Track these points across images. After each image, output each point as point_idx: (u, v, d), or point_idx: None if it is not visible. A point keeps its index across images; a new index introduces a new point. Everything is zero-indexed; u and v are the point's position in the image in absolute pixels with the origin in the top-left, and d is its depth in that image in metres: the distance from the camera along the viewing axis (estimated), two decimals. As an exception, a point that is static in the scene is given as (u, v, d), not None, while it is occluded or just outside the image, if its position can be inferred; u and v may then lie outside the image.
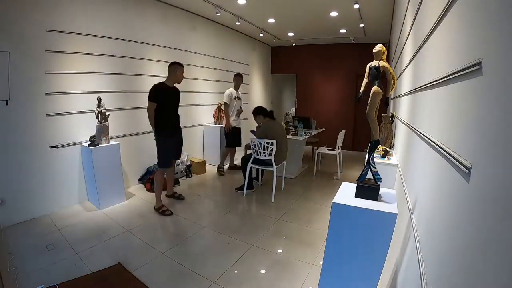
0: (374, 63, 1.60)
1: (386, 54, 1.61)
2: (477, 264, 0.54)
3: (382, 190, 1.55)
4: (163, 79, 4.65)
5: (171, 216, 3.19)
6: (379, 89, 1.53)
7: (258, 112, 3.99)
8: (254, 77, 7.44)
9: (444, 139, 0.89)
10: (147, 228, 2.91)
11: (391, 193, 1.59)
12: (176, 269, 2.23)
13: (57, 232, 2.70)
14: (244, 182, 3.90)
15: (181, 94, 4.89)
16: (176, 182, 4.26)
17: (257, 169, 4.18)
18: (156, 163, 3.43)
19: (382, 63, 1.56)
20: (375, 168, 1.56)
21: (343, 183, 1.75)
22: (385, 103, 1.70)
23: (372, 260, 1.47)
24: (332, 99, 7.51)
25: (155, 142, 3.86)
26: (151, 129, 4.25)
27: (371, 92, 1.55)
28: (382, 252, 1.43)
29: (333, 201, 1.50)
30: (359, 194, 1.54)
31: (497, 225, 0.49)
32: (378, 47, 1.60)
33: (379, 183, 1.53)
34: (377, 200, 1.49)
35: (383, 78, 1.59)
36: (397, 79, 1.63)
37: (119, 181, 3.46)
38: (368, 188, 1.52)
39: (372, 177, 1.55)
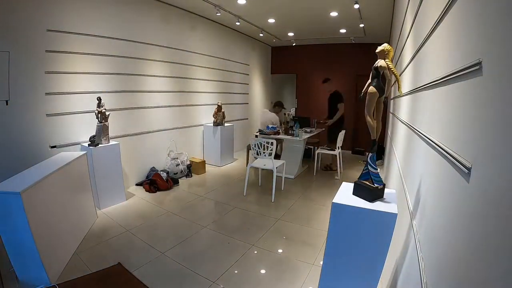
0: (375, 63, 1.60)
1: (391, 53, 1.57)
2: (477, 264, 0.54)
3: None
4: (163, 79, 4.66)
5: (171, 216, 3.19)
6: (374, 89, 1.55)
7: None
8: (254, 77, 7.44)
9: (444, 139, 0.89)
10: (147, 228, 2.91)
11: (391, 193, 1.58)
12: (176, 269, 2.23)
13: (57, 232, 2.70)
14: (245, 180, 3.90)
15: (180, 94, 4.93)
16: (176, 182, 4.26)
17: None
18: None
19: (380, 63, 1.54)
20: (375, 169, 1.55)
21: (343, 183, 1.75)
22: (383, 103, 1.70)
23: (372, 260, 1.47)
24: (332, 99, 7.49)
25: (155, 142, 3.83)
26: (151, 129, 4.28)
27: (367, 93, 1.57)
28: (382, 252, 1.43)
29: (333, 201, 1.50)
30: (355, 192, 1.58)
31: (497, 225, 0.49)
32: (380, 47, 1.57)
33: (376, 185, 1.52)
34: (372, 202, 1.49)
35: (385, 78, 1.58)
36: (400, 76, 1.61)
37: (119, 181, 3.46)
38: (363, 188, 1.54)
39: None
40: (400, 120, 2.60)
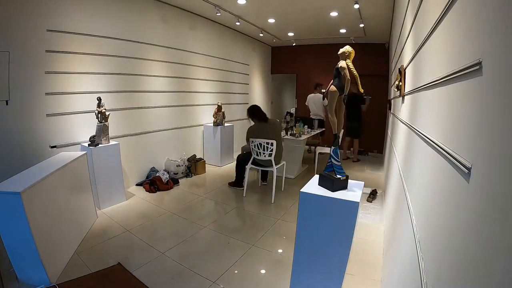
0: (337, 64, 1.76)
1: (353, 54, 1.73)
2: (477, 265, 0.54)
3: (352, 182, 1.70)
4: (163, 79, 4.66)
5: (171, 216, 3.19)
6: (334, 88, 1.71)
7: (251, 115, 3.91)
8: (254, 77, 7.44)
9: (444, 139, 0.89)
10: (147, 228, 2.91)
11: (359, 184, 1.72)
12: (176, 269, 2.23)
13: (57, 232, 2.70)
14: (241, 180, 3.90)
15: (180, 94, 4.93)
16: (176, 182, 4.27)
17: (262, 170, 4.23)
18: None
19: (340, 64, 1.70)
20: (338, 162, 1.70)
21: (316, 174, 1.85)
22: (343, 101, 1.79)
23: (339, 247, 1.57)
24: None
25: (155, 142, 3.81)
26: (151, 129, 4.29)
27: (329, 91, 1.75)
28: (347, 240, 1.53)
29: (301, 190, 1.61)
30: (320, 182, 1.71)
31: (497, 225, 0.49)
32: (342, 49, 1.74)
33: (338, 176, 1.65)
34: (333, 191, 1.60)
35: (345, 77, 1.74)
36: (357, 76, 1.73)
37: (119, 181, 3.46)
38: (327, 179, 1.66)
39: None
40: (400, 120, 2.60)
